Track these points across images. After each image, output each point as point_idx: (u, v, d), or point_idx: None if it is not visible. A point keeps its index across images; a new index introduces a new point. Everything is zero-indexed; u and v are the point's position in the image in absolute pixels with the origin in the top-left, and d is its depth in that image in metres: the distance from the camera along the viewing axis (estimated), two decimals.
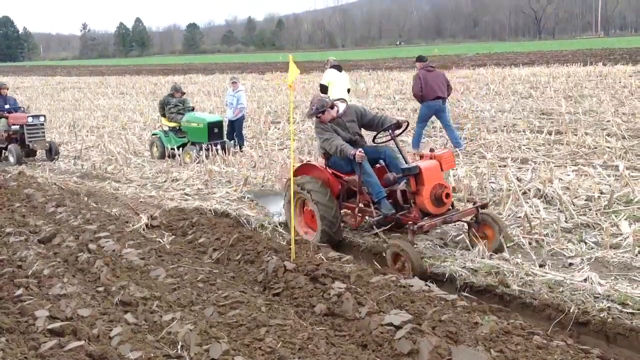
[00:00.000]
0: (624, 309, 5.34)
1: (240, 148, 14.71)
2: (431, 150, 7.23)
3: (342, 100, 8.08)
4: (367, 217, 7.83)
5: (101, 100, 32.17)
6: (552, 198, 8.59)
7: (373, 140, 8.02)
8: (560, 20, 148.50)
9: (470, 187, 9.16)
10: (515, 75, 31.92)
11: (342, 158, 7.51)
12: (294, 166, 7.58)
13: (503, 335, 4.75)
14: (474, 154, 12.48)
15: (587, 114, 16.51)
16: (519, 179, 9.61)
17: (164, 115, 15.00)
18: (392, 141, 7.70)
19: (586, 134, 13.35)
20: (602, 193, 8.68)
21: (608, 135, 13.04)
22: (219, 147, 13.72)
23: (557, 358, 4.37)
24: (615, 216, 7.78)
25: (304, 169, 8.00)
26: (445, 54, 67.48)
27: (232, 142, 14.64)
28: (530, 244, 7.11)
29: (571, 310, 5.39)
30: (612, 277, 6.09)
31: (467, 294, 5.94)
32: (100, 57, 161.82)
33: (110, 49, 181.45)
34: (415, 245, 6.88)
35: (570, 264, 6.50)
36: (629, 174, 9.23)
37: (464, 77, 33.17)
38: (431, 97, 12.73)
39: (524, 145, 12.92)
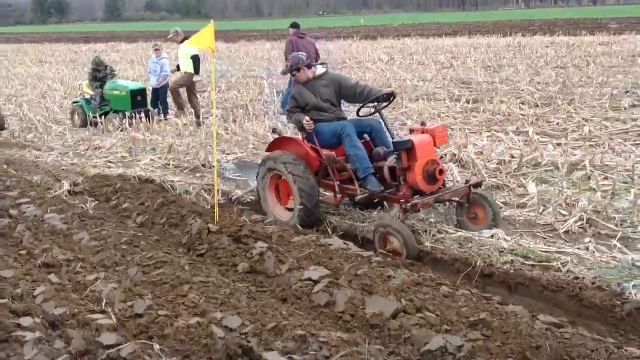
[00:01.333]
0: (525, 262, 5.75)
1: (165, 116, 14.64)
2: (422, 123, 6.79)
3: (324, 64, 7.63)
4: (348, 196, 7.30)
5: (19, 69, 31.10)
6: (466, 162, 9.00)
7: (357, 113, 7.42)
8: None
9: None
10: (438, 45, 32.60)
11: (300, 129, 7.28)
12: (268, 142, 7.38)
13: (414, 286, 5.07)
14: (395, 120, 12.82)
15: (504, 83, 17.11)
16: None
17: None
18: (378, 114, 7.17)
19: (501, 102, 13.89)
20: (512, 157, 9.15)
21: (522, 103, 13.63)
22: (142, 114, 13.62)
23: (460, 304, 4.73)
24: (524, 178, 8.25)
25: (279, 143, 7.45)
26: (371, 24, 68.04)
27: (155, 110, 14.55)
28: (444, 204, 7.47)
29: (477, 264, 5.78)
30: (518, 234, 6.51)
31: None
32: (18, 24, 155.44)
33: (27, 15, 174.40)
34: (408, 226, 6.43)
35: None
36: (538, 139, 9.76)
37: (389, 47, 33.68)
38: None
39: (443, 113, 13.36)
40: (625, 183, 7.74)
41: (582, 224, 6.59)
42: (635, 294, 5.00)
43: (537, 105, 13.41)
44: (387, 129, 7.11)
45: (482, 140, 10.35)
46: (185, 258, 6.02)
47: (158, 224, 7.25)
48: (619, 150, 9.32)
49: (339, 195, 7.20)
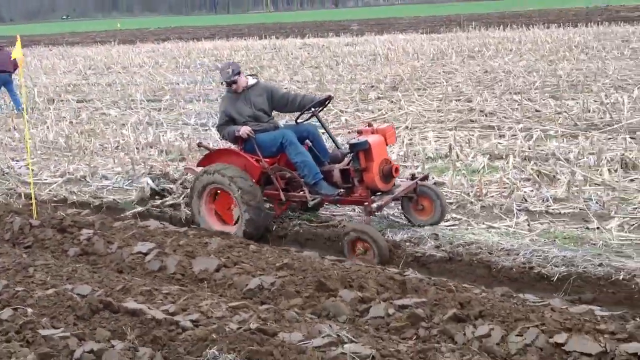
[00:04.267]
0: (311, 224, 7.26)
1: None
2: (369, 125, 6.91)
3: (253, 75, 7.60)
4: (292, 203, 7.33)
5: None
6: None
7: (296, 121, 7.29)
8: None
9: (181, 147, 10.59)
10: (200, 48, 33.88)
11: (235, 140, 7.16)
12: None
13: (228, 248, 6.28)
14: (178, 121, 13.86)
15: (272, 82, 18.83)
16: (216, 140, 11.24)
17: None
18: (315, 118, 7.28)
19: None
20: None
21: None
22: None
23: (267, 256, 6.03)
24: None
25: (216, 156, 7.28)
26: (127, 28, 67.30)
27: None
28: None
29: (274, 228, 7.17)
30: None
31: (195, 227, 7.36)
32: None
33: None
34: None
35: None
36: None
37: (151, 51, 34.21)
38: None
39: (217, 112, 14.60)
40: None
41: None
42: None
43: None
44: (327, 130, 7.35)
45: None
46: (16, 250, 6.65)
47: None
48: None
49: (280, 205, 7.24)
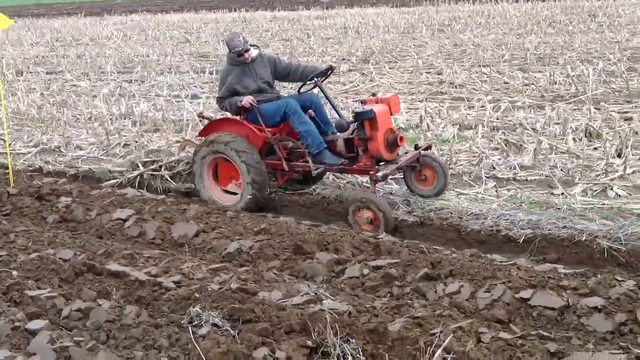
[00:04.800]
0: (287, 192, 7.43)
1: None
2: (373, 94, 6.94)
3: (255, 46, 7.36)
4: (295, 173, 7.21)
5: None
6: None
7: (298, 91, 7.23)
8: None
9: (154, 119, 10.65)
10: (169, 21, 33.55)
11: (237, 111, 7.07)
12: None
13: (206, 214, 6.44)
14: (150, 93, 13.87)
15: None
16: (189, 111, 11.32)
17: None
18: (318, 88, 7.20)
19: None
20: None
21: None
22: None
23: (245, 221, 6.21)
24: None
25: (217, 125, 7.19)
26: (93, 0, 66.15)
27: None
28: None
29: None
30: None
31: (173, 194, 7.49)
32: None
33: None
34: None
35: None
36: None
37: (119, 23, 33.81)
38: None
39: (190, 84, 14.66)
40: None
41: None
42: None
43: None
44: (330, 101, 7.23)
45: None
46: None
47: None
48: (343, 105, 11.43)
49: (283, 175, 7.19)
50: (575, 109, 10.15)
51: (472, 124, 9.56)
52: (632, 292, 4.28)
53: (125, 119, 11.27)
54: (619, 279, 4.55)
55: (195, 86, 14.29)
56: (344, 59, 16.80)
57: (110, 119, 11.15)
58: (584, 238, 5.69)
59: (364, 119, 6.42)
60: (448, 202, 6.75)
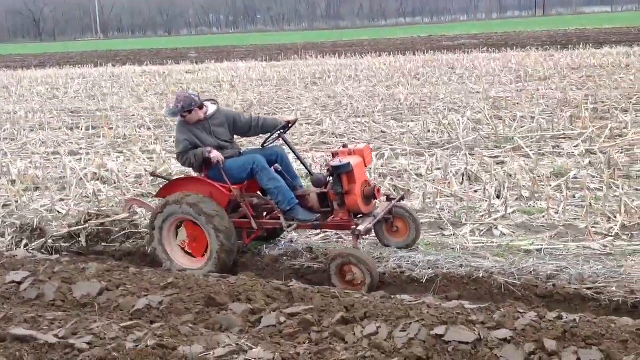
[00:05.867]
0: None
1: None
2: (344, 145, 6.70)
3: (213, 101, 7.01)
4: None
5: None
6: (108, 179, 10.24)
7: (263, 146, 6.93)
8: (59, 22, 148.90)
9: (33, 176, 10.25)
10: (32, 77, 32.37)
11: (202, 164, 6.64)
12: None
13: (107, 272, 6.23)
14: (23, 150, 13.29)
15: (114, 110, 18.49)
16: (72, 168, 10.98)
17: None
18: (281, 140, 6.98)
19: (118, 127, 15.26)
20: (146, 171, 10.67)
21: (139, 127, 15.20)
22: None
23: (150, 277, 6.06)
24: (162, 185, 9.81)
25: (177, 185, 6.75)
26: None
27: None
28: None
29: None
30: None
31: (66, 253, 7.19)
32: None
33: None
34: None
35: None
36: (164, 155, 11.47)
37: None
38: None
39: (65, 140, 14.19)
40: None
41: None
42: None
43: (150, 128, 15.11)
44: (296, 154, 6.95)
45: (115, 161, 11.64)
46: None
47: None
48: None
49: (249, 234, 6.84)
50: (451, 155, 10.76)
51: None
52: (535, 323, 4.58)
53: (0, 178, 10.74)
54: (521, 311, 4.87)
55: (71, 142, 13.87)
56: None
57: None
58: (481, 275, 6.03)
59: (342, 172, 6.21)
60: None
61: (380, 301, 5.29)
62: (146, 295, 5.60)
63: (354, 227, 6.18)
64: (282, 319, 5.03)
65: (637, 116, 12.54)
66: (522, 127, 12.41)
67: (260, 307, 5.26)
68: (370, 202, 6.45)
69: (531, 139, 11.49)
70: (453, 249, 6.75)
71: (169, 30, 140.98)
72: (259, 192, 6.88)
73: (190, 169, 6.94)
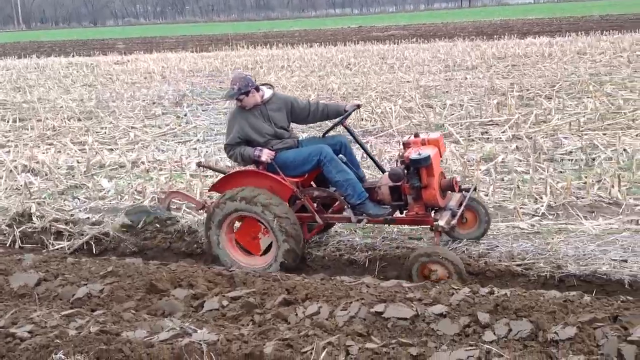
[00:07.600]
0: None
1: None
2: (416, 135, 6.16)
3: (268, 85, 6.49)
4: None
5: None
6: (39, 171, 10.04)
7: (323, 136, 6.58)
8: None
9: None
10: None
11: (249, 163, 6.23)
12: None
13: (44, 263, 6.20)
14: None
15: (42, 102, 18.02)
16: (1, 160, 10.71)
17: None
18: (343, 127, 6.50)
19: (47, 118, 14.90)
20: (78, 162, 10.51)
21: (68, 119, 14.88)
22: None
23: (89, 266, 6.03)
24: (96, 177, 9.69)
25: (231, 179, 6.27)
26: None
27: None
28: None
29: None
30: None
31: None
32: None
33: None
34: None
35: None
36: (97, 146, 11.30)
37: None
38: None
39: None
40: (177, 171, 9.80)
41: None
42: None
43: (80, 119, 14.83)
44: (361, 144, 6.54)
45: (44, 152, 11.40)
46: None
47: None
48: (163, 148, 11.42)
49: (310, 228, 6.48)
50: (385, 143, 10.97)
51: None
52: (469, 298, 4.79)
53: None
54: (455, 287, 5.07)
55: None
56: (154, 103, 16.72)
57: None
58: None
59: (421, 166, 5.77)
60: None
61: (321, 283, 5.42)
62: (86, 284, 5.58)
63: (435, 222, 5.80)
64: (225, 303, 5.10)
65: (560, 103, 13.03)
66: (451, 115, 12.73)
67: (202, 292, 5.32)
68: (446, 194, 6.12)
69: (461, 125, 11.82)
70: (390, 232, 6.92)
71: (95, 21, 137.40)
72: (312, 184, 6.54)
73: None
